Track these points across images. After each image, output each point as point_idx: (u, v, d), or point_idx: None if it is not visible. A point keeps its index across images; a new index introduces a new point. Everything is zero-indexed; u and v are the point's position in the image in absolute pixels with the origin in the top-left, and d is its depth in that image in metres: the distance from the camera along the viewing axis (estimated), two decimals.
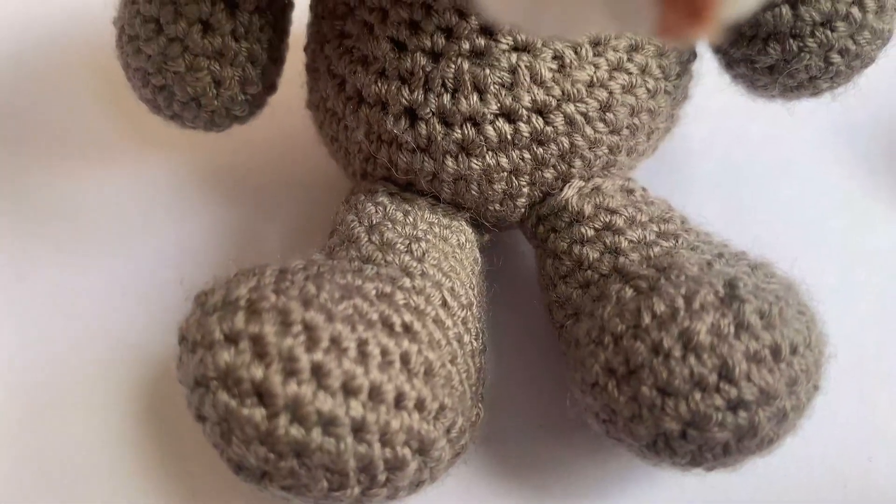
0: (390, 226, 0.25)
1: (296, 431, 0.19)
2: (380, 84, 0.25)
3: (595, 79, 0.24)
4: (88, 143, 0.34)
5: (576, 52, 0.23)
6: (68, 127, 0.34)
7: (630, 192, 0.26)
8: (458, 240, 0.26)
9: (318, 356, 0.19)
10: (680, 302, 0.21)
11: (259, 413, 0.19)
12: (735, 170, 0.33)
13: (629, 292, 0.22)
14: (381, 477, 0.20)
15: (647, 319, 0.21)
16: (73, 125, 0.34)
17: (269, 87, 0.28)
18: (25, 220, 0.32)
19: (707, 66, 0.28)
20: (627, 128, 0.25)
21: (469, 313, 0.24)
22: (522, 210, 0.26)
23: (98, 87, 0.35)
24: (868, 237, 0.32)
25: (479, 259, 0.27)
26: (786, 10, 0.24)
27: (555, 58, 0.23)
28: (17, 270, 0.31)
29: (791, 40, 0.24)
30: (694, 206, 0.30)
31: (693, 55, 0.27)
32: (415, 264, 0.24)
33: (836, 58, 0.24)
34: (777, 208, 0.32)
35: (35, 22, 0.36)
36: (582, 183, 0.25)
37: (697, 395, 0.20)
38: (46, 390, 0.27)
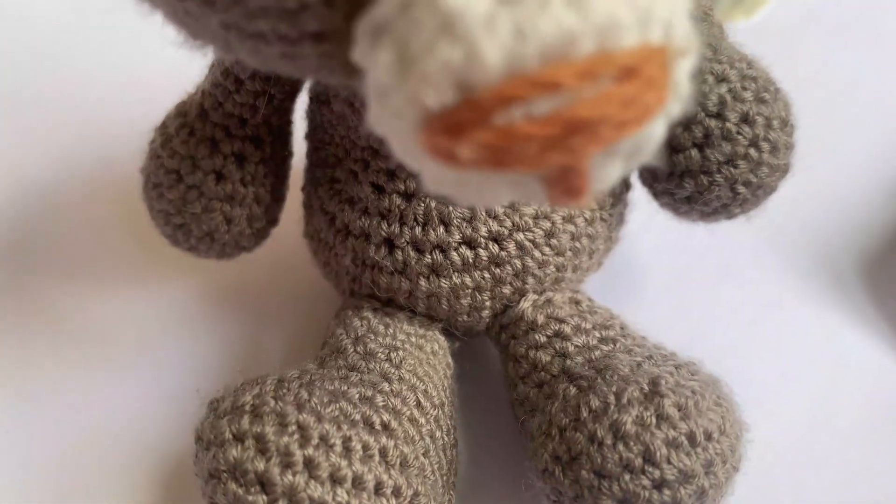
0: (373, 337, 0.28)
1: None
2: (363, 219, 0.27)
3: (539, 212, 0.27)
4: (116, 271, 0.37)
5: None
6: (99, 257, 0.37)
7: (577, 302, 0.29)
8: (432, 347, 0.29)
9: (310, 451, 0.22)
10: (611, 398, 0.24)
11: (262, 499, 0.21)
12: (680, 276, 0.36)
13: (573, 390, 0.25)
14: None
15: (584, 413, 0.24)
16: (104, 256, 0.37)
17: (272, 221, 0.30)
18: (57, 336, 0.35)
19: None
20: (570, 250, 0.28)
21: (441, 412, 0.27)
22: (487, 320, 0.29)
23: (125, 224, 0.38)
24: (798, 335, 0.34)
25: (452, 364, 0.29)
26: (695, 153, 0.27)
27: None
28: (49, 380, 0.33)
29: (701, 176, 0.27)
30: (645, 308, 0.34)
31: (626, 187, 0.31)
32: (393, 370, 0.27)
33: (741, 189, 0.28)
34: (717, 310, 0.35)
35: (70, 166, 0.40)
36: (536, 296, 0.29)
37: (627, 477, 0.23)
38: (74, 485, 0.30)
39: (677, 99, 0.16)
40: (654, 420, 0.23)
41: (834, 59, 0.46)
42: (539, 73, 0.13)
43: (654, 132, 0.16)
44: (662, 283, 0.36)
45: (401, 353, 0.28)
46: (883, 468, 0.31)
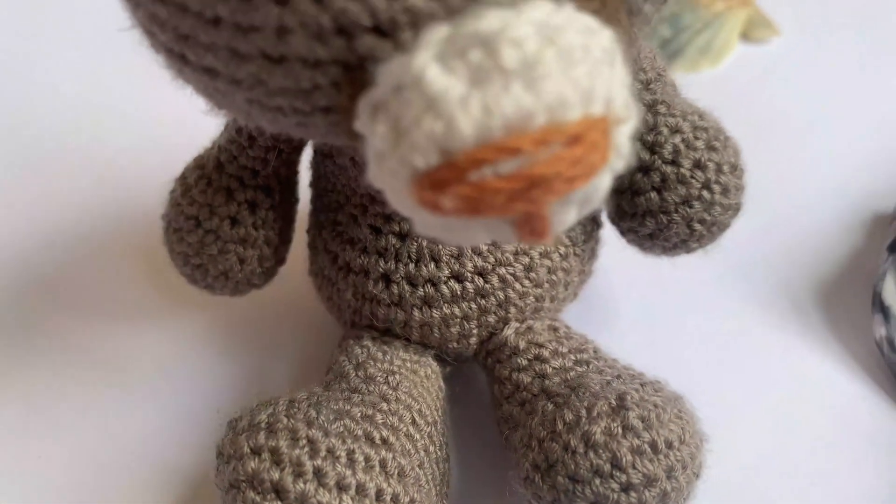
0: (372, 363, 0.30)
1: None
2: (363, 258, 0.29)
3: (519, 249, 0.30)
4: (139, 308, 0.39)
5: None
6: (124, 296, 0.39)
7: (555, 329, 0.31)
8: (426, 372, 0.31)
9: (319, 462, 0.24)
10: (583, 412, 0.26)
11: None
12: (649, 308, 0.38)
13: (550, 407, 0.28)
14: None
15: (560, 426, 0.26)
16: (129, 294, 0.39)
17: (280, 260, 0.32)
18: (84, 366, 0.37)
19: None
20: (548, 282, 0.31)
21: (434, 429, 0.30)
22: (474, 347, 0.31)
23: (148, 265, 0.40)
24: (759, 360, 0.36)
25: (443, 386, 0.32)
26: (654, 195, 0.30)
27: None
28: (74, 408, 0.35)
29: (661, 215, 0.30)
30: (617, 338, 0.35)
31: (597, 225, 0.34)
32: (391, 392, 0.29)
33: (697, 226, 0.30)
34: (683, 337, 0.37)
35: (97, 215, 0.43)
36: (518, 324, 0.31)
37: (597, 481, 0.25)
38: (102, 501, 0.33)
39: (619, 157, 0.19)
40: (620, 430, 0.26)
41: (791, 104, 0.49)
42: (503, 141, 0.17)
43: (601, 184, 0.19)
44: (633, 314, 0.38)
45: (397, 376, 0.30)
46: (839, 479, 0.33)
